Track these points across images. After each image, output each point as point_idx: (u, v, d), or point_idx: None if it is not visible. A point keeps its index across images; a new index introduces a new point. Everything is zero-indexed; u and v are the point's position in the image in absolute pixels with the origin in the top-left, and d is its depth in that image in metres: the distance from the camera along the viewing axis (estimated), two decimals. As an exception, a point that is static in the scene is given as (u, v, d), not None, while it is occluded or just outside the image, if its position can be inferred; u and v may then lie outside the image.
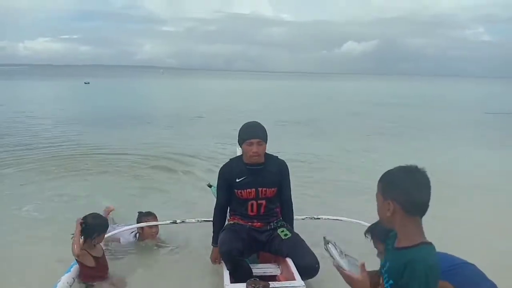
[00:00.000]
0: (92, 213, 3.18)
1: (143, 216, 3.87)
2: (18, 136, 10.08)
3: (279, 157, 3.26)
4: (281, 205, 3.29)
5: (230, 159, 3.28)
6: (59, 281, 2.78)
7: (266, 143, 3.06)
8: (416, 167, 1.67)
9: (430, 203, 1.62)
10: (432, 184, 1.62)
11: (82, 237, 2.99)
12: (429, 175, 1.63)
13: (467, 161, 8.23)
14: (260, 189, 3.09)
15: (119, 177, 6.46)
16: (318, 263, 2.94)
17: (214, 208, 3.30)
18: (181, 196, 5.54)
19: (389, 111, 18.72)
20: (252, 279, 2.66)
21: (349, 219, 4.04)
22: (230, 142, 8.82)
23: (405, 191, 1.62)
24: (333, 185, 6.25)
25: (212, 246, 3.28)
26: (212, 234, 3.30)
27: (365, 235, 2.38)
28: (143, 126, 12.39)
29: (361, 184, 5.99)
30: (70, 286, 2.85)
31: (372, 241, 2.35)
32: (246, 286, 2.59)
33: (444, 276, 1.83)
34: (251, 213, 3.15)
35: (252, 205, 3.12)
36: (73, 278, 2.91)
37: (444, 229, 4.09)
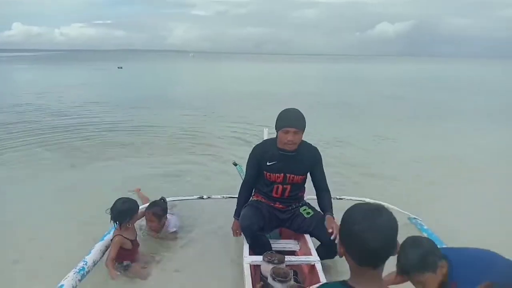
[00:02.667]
0: (121, 198, 3.19)
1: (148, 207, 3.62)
2: (62, 117, 10.58)
3: (312, 145, 3.25)
4: (317, 192, 3.27)
5: (264, 141, 3.33)
6: (93, 248, 3.02)
7: (303, 132, 3.03)
8: (377, 207, 1.30)
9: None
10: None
11: (117, 223, 3.08)
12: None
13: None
14: (288, 175, 3.12)
15: (154, 156, 6.81)
16: None
17: (241, 184, 3.35)
18: (209, 174, 5.76)
19: (421, 95, 18.27)
20: (269, 252, 2.75)
21: (373, 201, 4.10)
22: (258, 124, 9.10)
23: (358, 239, 1.29)
24: (358, 167, 6.29)
25: (233, 218, 3.33)
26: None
27: None
28: (173, 108, 12.69)
29: (386, 167, 6.02)
30: (103, 253, 3.08)
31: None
32: (263, 258, 2.68)
33: None
34: (275, 195, 3.21)
35: (277, 188, 3.17)
36: (106, 246, 3.13)
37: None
